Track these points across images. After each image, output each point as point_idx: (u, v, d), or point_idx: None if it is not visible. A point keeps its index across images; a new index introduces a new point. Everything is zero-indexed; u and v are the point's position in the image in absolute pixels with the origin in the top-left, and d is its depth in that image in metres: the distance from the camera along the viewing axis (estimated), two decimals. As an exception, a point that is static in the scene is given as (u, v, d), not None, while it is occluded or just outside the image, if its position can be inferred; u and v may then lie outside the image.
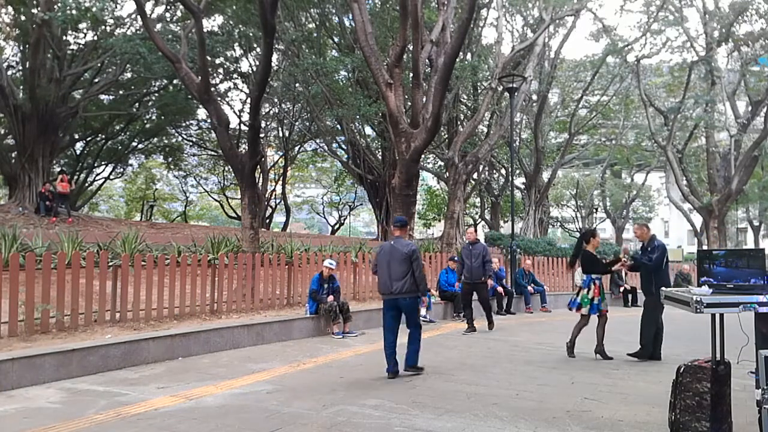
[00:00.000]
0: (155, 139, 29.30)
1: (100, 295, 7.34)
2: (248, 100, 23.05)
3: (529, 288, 13.94)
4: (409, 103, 14.97)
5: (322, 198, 45.10)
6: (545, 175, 28.04)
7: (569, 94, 28.64)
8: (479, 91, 24.59)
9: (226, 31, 20.81)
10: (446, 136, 24.18)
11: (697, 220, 28.60)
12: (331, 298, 9.07)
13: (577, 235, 41.33)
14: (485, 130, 25.62)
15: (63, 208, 17.97)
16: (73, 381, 5.81)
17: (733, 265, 4.39)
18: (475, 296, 10.18)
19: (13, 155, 20.85)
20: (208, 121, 17.98)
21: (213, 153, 32.19)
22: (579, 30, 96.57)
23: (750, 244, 38.79)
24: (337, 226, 44.42)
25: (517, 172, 26.69)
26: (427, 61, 15.17)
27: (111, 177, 32.91)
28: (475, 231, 10.80)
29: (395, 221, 7.06)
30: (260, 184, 24.84)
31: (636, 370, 6.68)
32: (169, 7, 20.87)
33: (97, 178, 31.73)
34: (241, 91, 26.75)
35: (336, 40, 23.22)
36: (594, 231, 8.31)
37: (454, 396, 5.35)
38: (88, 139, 26.66)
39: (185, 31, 13.41)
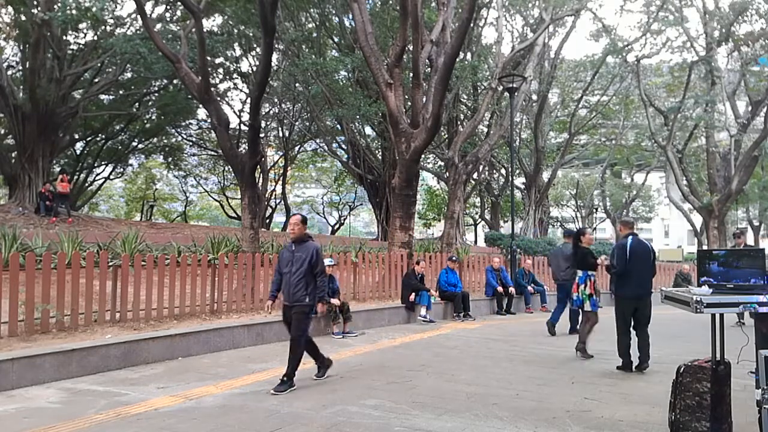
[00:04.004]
0: (155, 139, 29.32)
1: (100, 295, 7.34)
2: (248, 100, 23.06)
3: (529, 288, 13.94)
4: (409, 103, 14.96)
5: (322, 198, 45.11)
6: (545, 175, 28.05)
7: (569, 94, 28.64)
8: (479, 91, 24.59)
9: (226, 31, 20.81)
10: (446, 136, 24.18)
11: (697, 220, 28.58)
12: (336, 301, 9.02)
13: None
14: (485, 130, 25.64)
15: (63, 208, 17.96)
16: (73, 381, 5.80)
17: (733, 265, 4.38)
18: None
19: (13, 155, 20.86)
20: (208, 121, 17.98)
21: (213, 153, 32.20)
22: (579, 30, 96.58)
23: (750, 244, 38.77)
24: (337, 226, 44.43)
25: (517, 172, 26.70)
26: (427, 61, 15.15)
27: (111, 177, 32.93)
28: (303, 222, 5.92)
29: (564, 232, 11.02)
30: (260, 184, 24.84)
31: (636, 370, 6.66)
32: (169, 7, 20.87)
33: (97, 178, 31.75)
34: (241, 91, 26.80)
35: (336, 40, 23.22)
36: (584, 229, 8.35)
37: (454, 396, 5.35)
38: (88, 139, 26.67)
39: (185, 31, 13.41)
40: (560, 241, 15.11)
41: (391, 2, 19.61)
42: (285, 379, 5.56)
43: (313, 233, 38.18)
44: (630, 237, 6.77)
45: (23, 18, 17.90)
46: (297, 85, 22.01)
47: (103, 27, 19.25)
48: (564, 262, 9.86)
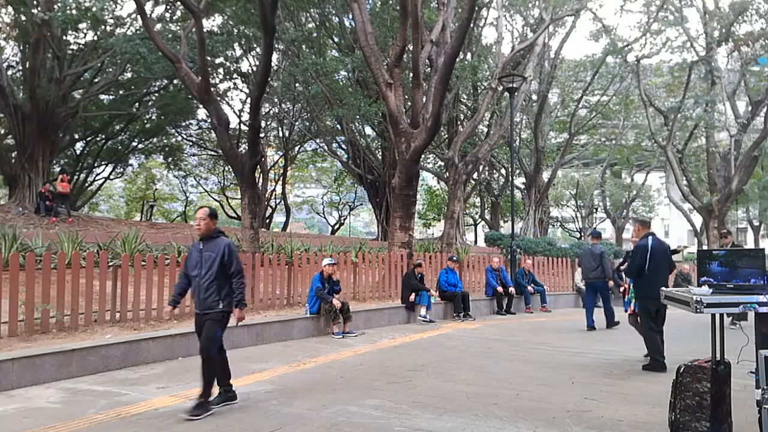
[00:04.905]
0: (155, 139, 29.34)
1: (100, 295, 7.34)
2: (248, 100, 23.07)
3: (529, 288, 13.95)
4: (409, 103, 14.96)
5: (322, 198, 45.12)
6: (545, 175, 28.04)
7: (569, 94, 28.64)
8: (479, 91, 24.60)
9: (226, 31, 20.81)
10: (446, 136, 24.19)
11: (697, 220, 28.58)
12: (337, 303, 9.00)
13: (577, 235, 41.49)
14: (485, 130, 25.64)
15: (63, 208, 17.95)
16: (73, 381, 5.80)
17: (733, 265, 4.38)
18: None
19: (13, 155, 20.85)
20: (208, 121, 18.00)
21: (213, 153, 32.21)
22: (579, 30, 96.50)
23: (750, 244, 38.78)
24: (337, 226, 44.44)
25: (517, 172, 26.70)
26: (427, 61, 15.16)
27: (111, 177, 32.95)
28: (212, 216, 5.11)
29: (591, 233, 11.53)
30: (260, 184, 24.82)
31: (636, 370, 6.67)
32: (169, 7, 20.87)
33: (97, 178, 31.76)
34: (241, 91, 26.80)
35: (336, 40, 23.23)
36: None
37: (454, 396, 5.35)
38: (88, 139, 26.68)
39: (185, 31, 13.42)
40: (559, 241, 15.23)
41: (391, 2, 19.61)
42: (201, 401, 4.66)
43: (313, 233, 38.32)
44: (650, 237, 6.65)
45: (23, 18, 17.90)
46: (297, 85, 22.00)
47: (103, 27, 19.26)
48: (593, 261, 10.43)
